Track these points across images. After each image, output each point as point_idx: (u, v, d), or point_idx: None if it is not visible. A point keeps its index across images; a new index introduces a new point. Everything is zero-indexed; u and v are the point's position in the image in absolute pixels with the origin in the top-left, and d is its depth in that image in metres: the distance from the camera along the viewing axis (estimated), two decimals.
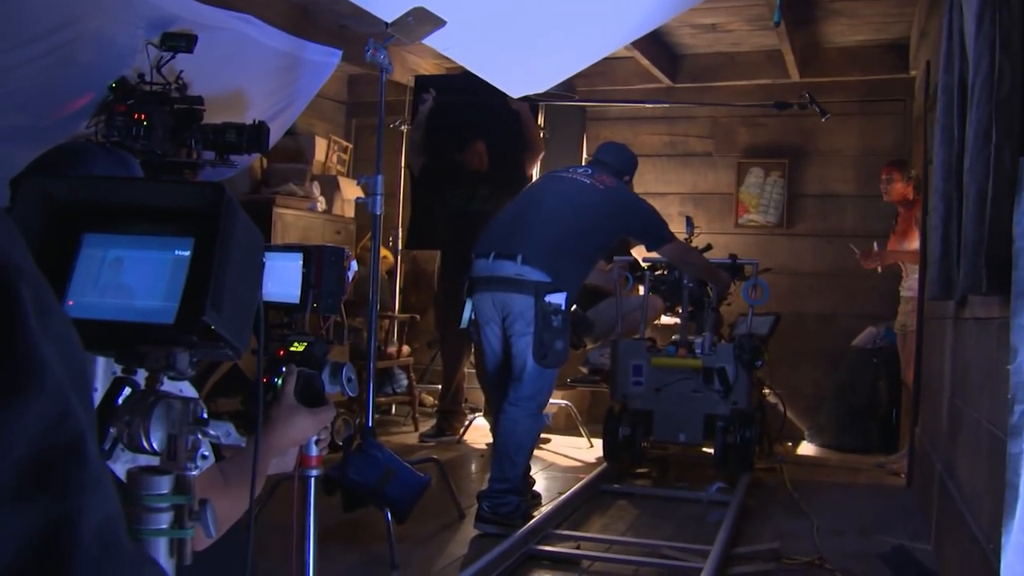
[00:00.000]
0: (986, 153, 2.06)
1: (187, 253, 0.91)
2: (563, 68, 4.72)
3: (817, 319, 6.41)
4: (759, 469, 4.80)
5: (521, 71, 4.47)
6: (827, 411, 6.01)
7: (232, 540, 1.19)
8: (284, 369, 1.36)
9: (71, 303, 0.91)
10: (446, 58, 5.12)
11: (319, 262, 1.67)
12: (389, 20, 3.46)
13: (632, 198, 4.19)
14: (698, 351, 4.72)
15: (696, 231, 5.30)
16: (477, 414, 5.95)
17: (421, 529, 3.60)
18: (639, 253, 5.17)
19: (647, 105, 6.68)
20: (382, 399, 6.18)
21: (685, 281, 4.90)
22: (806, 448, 5.98)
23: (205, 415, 0.96)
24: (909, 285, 5.22)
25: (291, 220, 5.62)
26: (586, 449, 5.60)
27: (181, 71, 3.76)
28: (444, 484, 3.99)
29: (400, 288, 6.73)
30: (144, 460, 0.97)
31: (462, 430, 5.78)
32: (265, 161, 5.87)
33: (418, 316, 6.53)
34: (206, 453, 0.96)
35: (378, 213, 3.55)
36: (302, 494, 1.53)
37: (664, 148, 6.87)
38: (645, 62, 6.19)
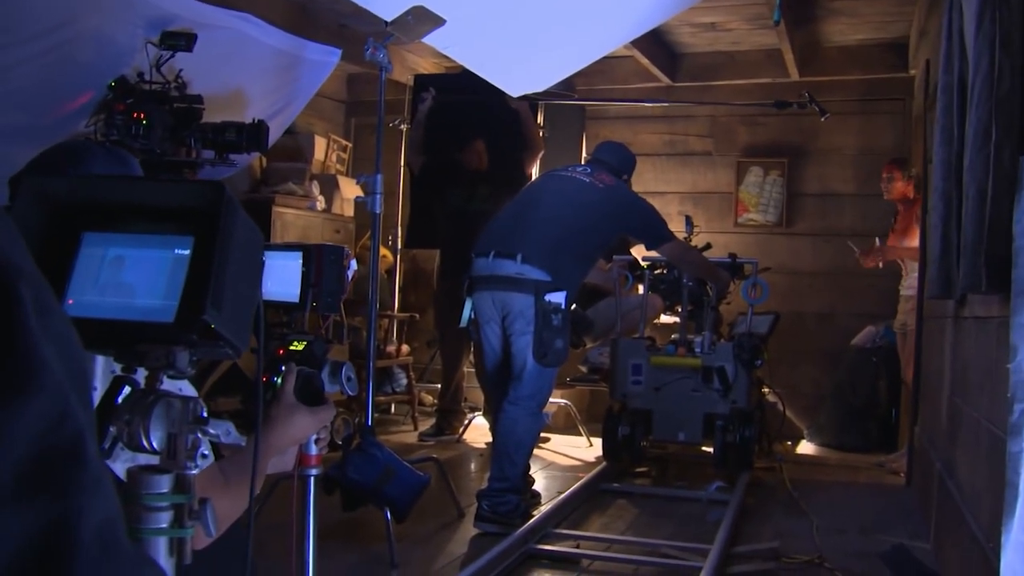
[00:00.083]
0: (986, 152, 2.06)
1: (187, 252, 0.91)
2: (562, 67, 4.72)
3: (816, 318, 6.41)
4: (758, 468, 4.81)
5: (520, 70, 4.47)
6: (826, 410, 6.02)
7: (232, 539, 1.19)
8: (284, 368, 1.36)
9: (71, 302, 0.91)
10: (446, 57, 5.13)
11: (319, 261, 1.67)
12: (388, 19, 3.46)
13: (631, 197, 4.19)
14: (697, 350, 4.72)
15: (695, 230, 5.30)
16: (476, 413, 5.95)
17: (420, 528, 3.60)
18: (638, 252, 5.17)
19: (646, 104, 6.68)
20: (381, 398, 6.18)
21: (684, 280, 4.90)
22: (805, 447, 5.98)
23: (205, 414, 0.96)
24: (909, 284, 5.22)
25: (290, 219, 5.62)
26: (585, 448, 5.60)
27: (180, 70, 3.75)
28: (443, 483, 3.99)
29: (399, 287, 6.73)
30: (144, 459, 0.97)
31: (461, 429, 5.78)
32: (264, 160, 5.87)
33: (417, 315, 6.53)
34: (206, 452, 0.96)
35: (377, 212, 3.55)
36: (301, 493, 1.53)
37: (663, 147, 6.87)
38: (644, 61, 6.19)
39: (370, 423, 3.47)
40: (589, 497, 4.26)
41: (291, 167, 5.94)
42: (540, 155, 5.81)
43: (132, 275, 0.93)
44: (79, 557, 0.54)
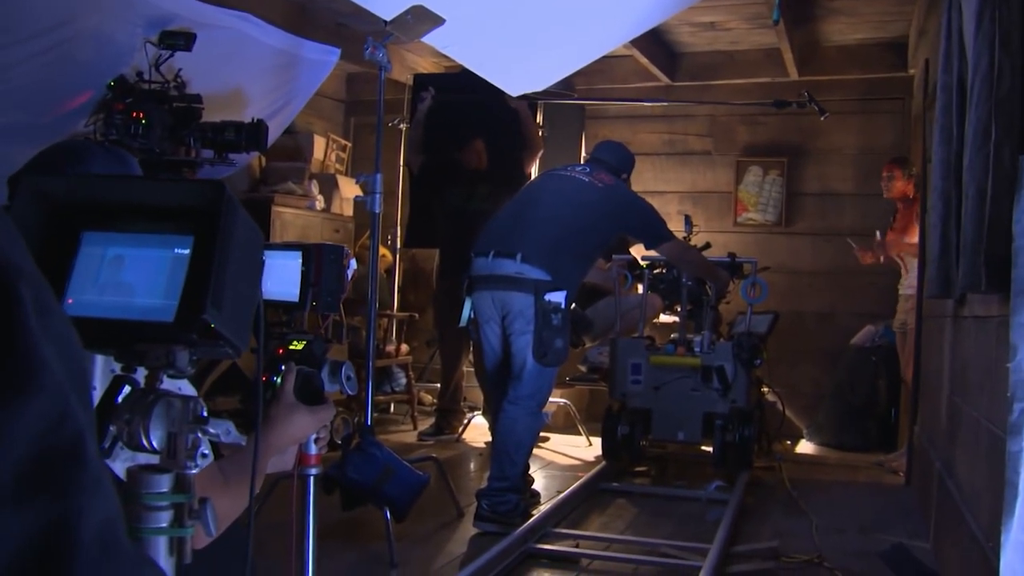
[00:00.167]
0: (985, 151, 2.06)
1: (187, 251, 0.91)
2: (562, 66, 4.72)
3: (816, 317, 6.42)
4: (758, 467, 4.81)
5: (520, 69, 4.46)
6: (826, 409, 6.02)
7: (231, 538, 1.19)
8: (283, 367, 1.36)
9: (70, 301, 0.91)
10: (445, 56, 5.12)
11: (318, 260, 1.67)
12: (388, 18, 3.46)
13: (631, 196, 4.19)
14: (697, 349, 4.72)
15: (695, 229, 5.30)
16: (476, 413, 5.95)
17: (420, 528, 3.60)
18: (638, 251, 5.17)
19: (646, 103, 6.68)
20: (381, 398, 6.18)
21: (684, 279, 4.90)
22: (805, 446, 5.98)
23: (205, 413, 0.96)
24: (909, 283, 5.22)
25: (290, 219, 5.62)
26: (585, 447, 5.60)
27: (180, 69, 3.75)
28: (443, 483, 3.99)
29: (399, 286, 6.73)
30: (143, 458, 0.97)
31: (461, 429, 5.78)
32: (264, 159, 5.87)
33: (417, 315, 6.53)
34: (206, 451, 0.95)
35: (377, 211, 3.54)
36: (301, 492, 1.53)
37: (663, 147, 6.87)
38: (644, 60, 6.19)
39: (369, 423, 3.47)
40: (588, 496, 4.26)
41: (290, 166, 5.94)
42: (539, 154, 5.81)
43: (132, 274, 0.93)
44: (79, 557, 0.54)
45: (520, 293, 3.71)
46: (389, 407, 6.56)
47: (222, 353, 0.94)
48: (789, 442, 5.93)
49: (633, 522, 3.96)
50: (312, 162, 6.22)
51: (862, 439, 5.76)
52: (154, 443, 0.94)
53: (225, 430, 1.02)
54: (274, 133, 4.43)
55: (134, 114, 3.51)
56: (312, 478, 1.52)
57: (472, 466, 5.11)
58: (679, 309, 5.05)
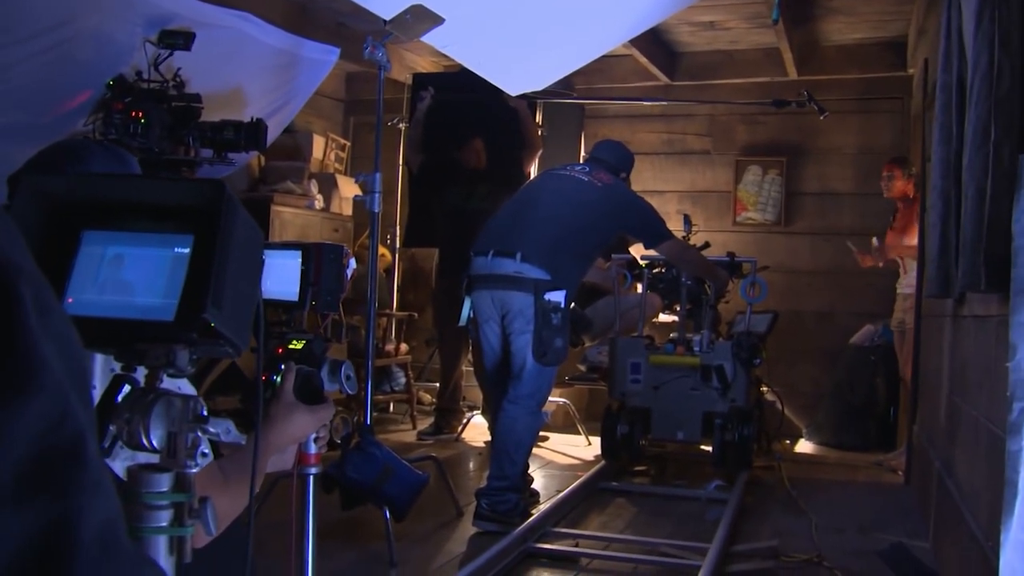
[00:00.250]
0: (985, 151, 2.06)
1: (187, 250, 0.91)
2: (561, 66, 4.72)
3: (815, 317, 6.42)
4: (757, 467, 4.81)
5: (519, 69, 4.46)
6: (825, 409, 6.02)
7: (231, 537, 1.19)
8: (283, 367, 1.36)
9: (70, 300, 0.91)
10: (444, 56, 5.12)
11: (318, 260, 1.67)
12: (387, 17, 3.46)
13: (630, 196, 4.19)
14: (696, 349, 4.72)
15: (694, 229, 5.30)
16: (475, 412, 5.95)
17: (419, 527, 3.60)
18: (637, 251, 5.17)
19: (645, 103, 6.68)
20: (380, 397, 6.18)
21: (683, 279, 4.90)
22: (804, 446, 5.98)
23: (205, 412, 0.96)
24: (907, 282, 5.22)
25: (289, 218, 5.62)
26: (584, 447, 5.60)
27: (179, 69, 3.75)
28: (442, 482, 3.99)
29: (398, 286, 6.73)
30: (143, 457, 0.97)
31: (460, 428, 5.78)
32: (263, 159, 5.86)
33: (416, 314, 6.52)
34: (206, 450, 0.95)
35: (376, 211, 3.54)
36: (301, 492, 1.52)
37: (662, 146, 6.87)
38: (643, 60, 6.19)
39: (369, 422, 3.47)
40: (588, 496, 4.27)
41: (290, 166, 5.94)
42: (539, 154, 5.80)
43: (132, 273, 0.93)
44: (79, 557, 0.53)
45: (519, 292, 3.71)
46: (388, 406, 6.56)
47: (222, 352, 0.94)
48: (788, 441, 5.93)
49: (632, 521, 3.96)
50: (311, 161, 6.22)
51: (861, 438, 5.76)
52: (154, 442, 0.94)
53: (225, 429, 1.02)
54: (273, 132, 4.43)
55: (133, 113, 3.51)
56: (312, 477, 1.52)
57: (471, 465, 5.11)
58: (678, 308, 5.05)
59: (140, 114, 3.51)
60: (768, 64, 6.38)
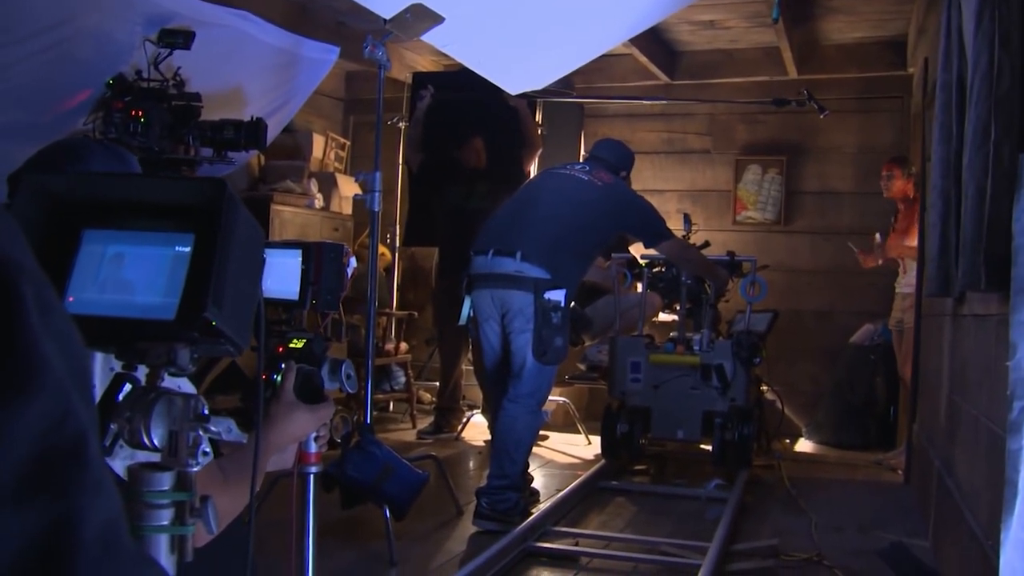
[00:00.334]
0: (985, 150, 2.06)
1: (187, 249, 0.90)
2: (561, 65, 4.72)
3: (815, 316, 6.42)
4: (757, 466, 4.81)
5: (519, 68, 4.46)
6: (825, 408, 6.02)
7: (232, 536, 1.19)
8: (283, 366, 1.36)
9: (71, 299, 0.91)
10: (444, 55, 5.12)
11: (318, 259, 1.66)
12: (387, 16, 3.45)
13: (630, 195, 4.19)
14: (696, 348, 4.72)
15: (694, 228, 5.30)
16: (475, 411, 5.95)
17: (419, 526, 3.60)
18: (637, 250, 5.17)
19: (645, 102, 6.68)
20: (380, 396, 6.18)
21: (683, 278, 4.90)
22: (804, 445, 5.98)
23: (206, 411, 0.96)
24: (906, 281, 5.23)
25: (289, 217, 5.62)
26: (584, 446, 5.60)
27: (179, 68, 3.75)
28: (442, 481, 3.99)
29: (398, 285, 6.73)
30: (143, 456, 0.97)
31: (460, 427, 5.78)
32: (263, 158, 5.86)
33: (416, 313, 6.52)
34: (207, 449, 0.95)
35: (376, 210, 3.54)
36: (301, 491, 1.52)
37: (662, 145, 6.87)
38: (643, 59, 6.19)
39: (369, 421, 3.47)
40: (588, 495, 4.27)
41: (289, 165, 5.94)
42: (538, 153, 5.81)
43: (132, 272, 0.93)
44: (81, 557, 0.53)
45: (519, 291, 3.71)
46: (388, 405, 6.56)
47: (223, 351, 0.94)
48: (788, 440, 5.93)
49: (632, 520, 3.96)
50: (311, 160, 6.21)
51: (861, 437, 5.76)
52: (155, 441, 0.94)
53: (226, 428, 1.02)
54: (273, 131, 4.43)
55: (133, 112, 3.51)
56: (312, 476, 1.52)
57: (471, 464, 5.11)
58: (678, 307, 5.05)
59: (140, 113, 3.51)
60: (768, 63, 6.38)
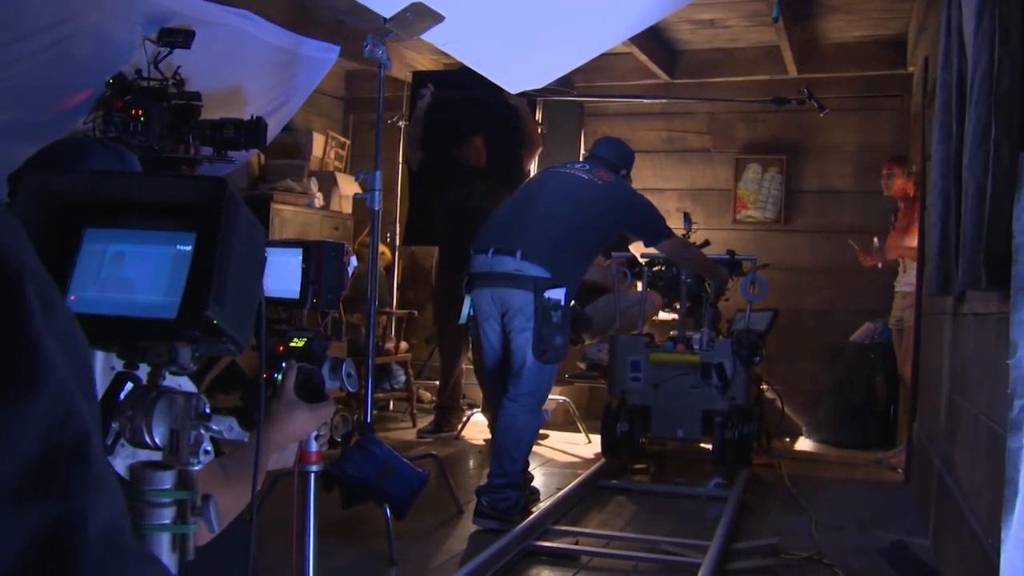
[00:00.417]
0: (985, 149, 2.06)
1: (188, 248, 0.90)
2: (561, 64, 4.72)
3: (815, 315, 6.42)
4: (757, 465, 4.81)
5: (519, 67, 4.46)
6: (825, 407, 6.02)
7: (233, 535, 1.19)
8: (284, 365, 1.36)
9: (72, 298, 0.91)
10: (444, 54, 5.13)
11: (318, 258, 1.67)
12: (387, 15, 3.45)
13: (630, 193, 4.19)
14: (696, 347, 4.72)
15: (694, 227, 5.30)
16: (475, 410, 5.95)
17: (420, 525, 3.60)
18: (637, 249, 5.17)
19: (645, 101, 6.68)
20: (380, 395, 6.18)
21: (683, 277, 4.90)
22: (804, 444, 5.99)
23: (207, 410, 0.96)
24: (906, 280, 5.23)
25: (289, 216, 5.62)
26: (584, 445, 5.60)
27: (179, 67, 3.75)
28: (442, 480, 3.99)
29: (398, 284, 6.73)
30: (144, 455, 0.97)
31: (460, 426, 5.78)
32: (263, 157, 5.86)
33: (416, 312, 6.53)
34: (208, 448, 0.95)
35: (376, 209, 3.54)
36: (301, 490, 1.53)
37: (662, 144, 6.87)
38: (643, 58, 6.18)
39: (369, 420, 3.47)
40: (588, 494, 4.27)
41: (289, 164, 5.94)
42: (538, 152, 5.80)
43: (133, 271, 0.93)
44: (84, 556, 0.53)
45: (519, 290, 3.71)
46: (388, 404, 6.56)
47: (224, 349, 0.94)
48: (788, 439, 5.94)
49: (632, 519, 3.96)
50: (311, 159, 6.21)
51: (861, 436, 5.77)
52: (156, 440, 0.94)
53: (228, 427, 1.02)
54: (273, 130, 4.43)
55: (133, 111, 3.51)
56: (312, 475, 1.52)
57: (471, 463, 5.11)
58: (678, 306, 5.05)
59: (140, 112, 3.51)
60: (768, 62, 6.38)
